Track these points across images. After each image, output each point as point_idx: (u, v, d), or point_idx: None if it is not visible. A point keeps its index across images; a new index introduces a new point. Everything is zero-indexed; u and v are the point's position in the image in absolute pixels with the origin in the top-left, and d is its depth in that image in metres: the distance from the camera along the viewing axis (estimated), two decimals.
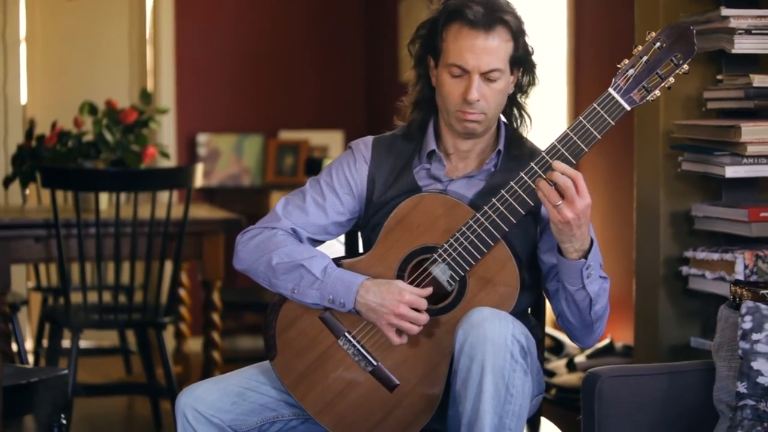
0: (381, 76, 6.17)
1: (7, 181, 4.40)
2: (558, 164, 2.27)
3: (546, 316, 2.70)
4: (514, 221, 2.33)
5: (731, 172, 2.82)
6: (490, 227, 2.34)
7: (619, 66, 2.30)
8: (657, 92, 2.30)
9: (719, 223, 2.91)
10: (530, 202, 2.32)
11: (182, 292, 4.96)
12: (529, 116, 2.53)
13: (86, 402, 4.72)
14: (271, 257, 2.45)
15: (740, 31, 2.79)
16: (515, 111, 2.52)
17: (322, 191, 2.53)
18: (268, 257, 2.46)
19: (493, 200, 2.33)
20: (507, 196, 2.33)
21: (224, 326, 5.09)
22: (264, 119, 6.14)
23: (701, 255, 2.91)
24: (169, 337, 5.16)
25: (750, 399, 2.33)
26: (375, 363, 2.41)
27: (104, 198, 4.33)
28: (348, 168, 2.54)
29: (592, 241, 2.35)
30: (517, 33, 2.42)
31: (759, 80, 2.78)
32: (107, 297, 4.30)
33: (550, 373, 3.88)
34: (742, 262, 2.77)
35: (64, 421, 3.00)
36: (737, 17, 2.79)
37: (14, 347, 4.30)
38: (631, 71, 2.29)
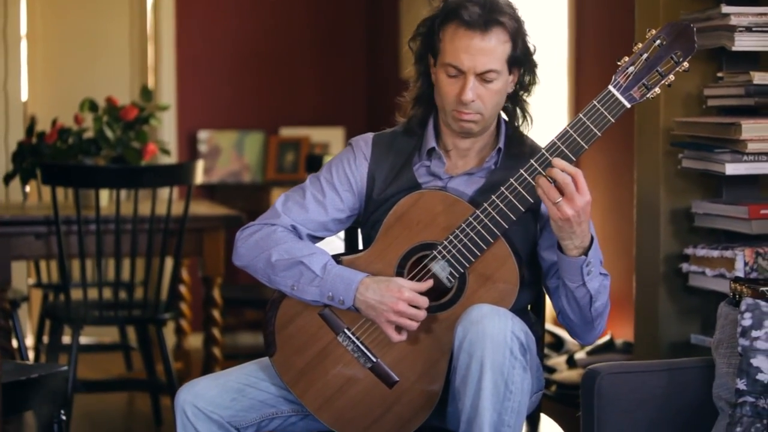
0: (382, 73, 6.16)
1: (8, 178, 4.40)
2: (558, 161, 2.27)
3: (546, 312, 2.71)
4: (514, 218, 2.33)
5: (731, 169, 2.82)
6: (489, 224, 2.34)
7: (619, 63, 2.30)
8: (657, 90, 2.30)
9: (719, 221, 2.91)
10: (530, 199, 2.32)
11: (183, 289, 4.96)
12: (530, 114, 2.53)
13: (86, 398, 4.72)
14: (271, 254, 2.46)
15: (741, 29, 2.79)
16: (516, 109, 2.52)
17: (322, 188, 2.53)
18: (267, 254, 2.46)
19: (493, 197, 2.34)
20: (507, 193, 2.33)
21: (224, 323, 5.09)
22: (265, 116, 6.14)
23: (701, 252, 2.91)
24: (169, 333, 5.15)
25: (749, 396, 2.33)
26: (374, 359, 2.41)
27: (105, 195, 4.33)
28: (348, 165, 2.54)
29: (592, 238, 2.35)
30: (516, 33, 2.40)
31: (759, 78, 2.78)
32: (107, 293, 4.30)
33: (551, 370, 3.88)
34: (742, 259, 2.77)
35: (64, 417, 3.00)
36: (738, 14, 2.79)
37: (15, 343, 4.30)
38: (631, 69, 2.29)
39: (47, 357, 4.30)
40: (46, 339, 4.74)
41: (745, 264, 2.76)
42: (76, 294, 4.26)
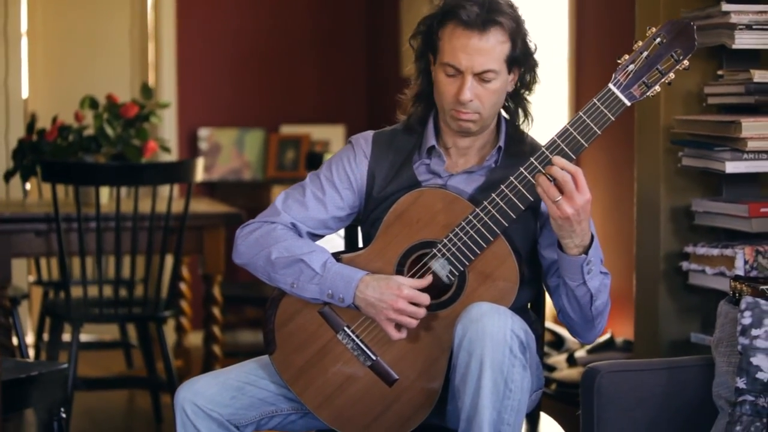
0: (382, 71, 6.16)
1: (8, 175, 4.40)
2: (557, 159, 2.27)
3: (546, 310, 2.71)
4: (514, 216, 2.33)
5: (731, 167, 2.82)
6: (489, 222, 2.34)
7: (619, 61, 2.30)
8: (657, 88, 2.30)
9: (719, 219, 2.91)
10: (529, 197, 2.32)
11: (183, 286, 4.96)
12: (530, 113, 2.52)
13: (87, 396, 4.72)
14: (271, 252, 2.46)
15: (741, 27, 2.79)
16: (517, 108, 2.51)
17: (321, 186, 2.53)
18: (267, 251, 2.46)
19: (493, 195, 2.33)
20: (506, 191, 2.33)
21: (225, 320, 5.10)
22: (265, 113, 6.14)
23: (701, 250, 2.91)
24: (169, 331, 5.16)
25: (749, 394, 2.33)
26: (374, 357, 2.41)
27: (105, 192, 4.33)
28: (348, 163, 2.54)
29: (592, 237, 2.34)
30: (515, 33, 2.39)
31: (759, 76, 2.78)
32: (108, 291, 4.30)
33: (551, 368, 3.88)
34: (742, 257, 2.77)
35: (64, 415, 3.00)
36: (738, 12, 2.79)
37: (15, 341, 4.30)
38: (631, 67, 2.29)
39: (47, 354, 4.30)
40: (46, 336, 4.74)
41: (745, 262, 2.76)
42: (77, 291, 4.26)
